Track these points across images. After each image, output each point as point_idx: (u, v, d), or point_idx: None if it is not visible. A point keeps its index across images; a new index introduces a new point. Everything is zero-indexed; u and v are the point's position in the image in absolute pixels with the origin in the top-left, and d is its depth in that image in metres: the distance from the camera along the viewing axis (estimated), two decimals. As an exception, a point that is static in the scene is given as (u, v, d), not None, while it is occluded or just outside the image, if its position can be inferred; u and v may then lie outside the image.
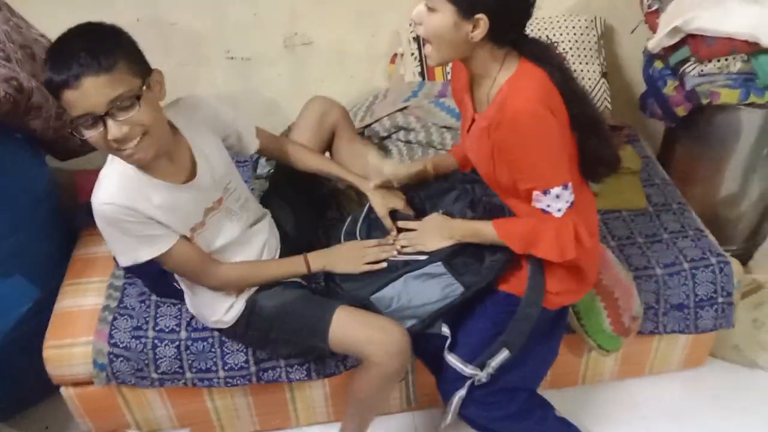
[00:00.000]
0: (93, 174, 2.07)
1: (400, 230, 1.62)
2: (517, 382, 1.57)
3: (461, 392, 1.53)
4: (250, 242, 1.62)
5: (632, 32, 2.24)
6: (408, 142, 2.06)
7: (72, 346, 1.66)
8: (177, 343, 1.66)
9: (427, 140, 2.01)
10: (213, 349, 1.67)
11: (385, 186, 1.68)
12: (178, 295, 1.70)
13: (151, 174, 1.40)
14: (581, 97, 1.37)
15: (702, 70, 1.95)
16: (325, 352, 1.59)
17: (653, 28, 2.06)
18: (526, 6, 1.30)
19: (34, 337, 1.71)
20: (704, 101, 1.97)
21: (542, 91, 1.30)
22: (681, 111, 2.04)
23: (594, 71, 2.16)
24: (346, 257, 1.58)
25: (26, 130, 1.75)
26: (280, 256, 1.67)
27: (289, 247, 1.70)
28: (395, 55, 2.21)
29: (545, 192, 1.33)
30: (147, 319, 1.70)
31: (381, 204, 1.65)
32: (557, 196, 1.32)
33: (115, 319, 1.70)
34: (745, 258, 2.29)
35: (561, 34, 2.15)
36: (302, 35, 2.15)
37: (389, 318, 1.54)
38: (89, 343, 1.66)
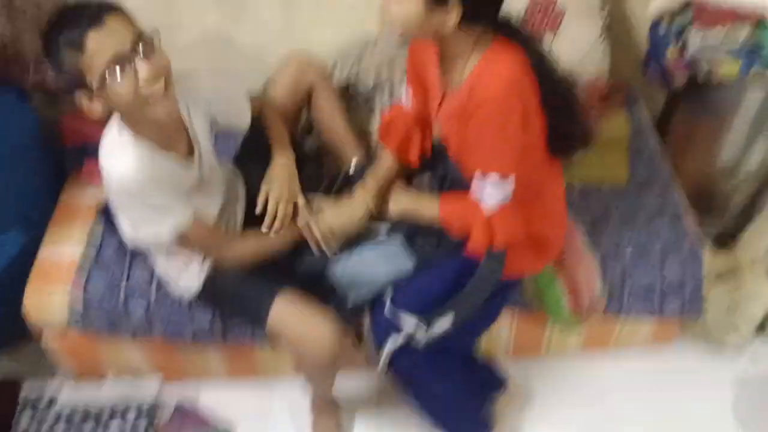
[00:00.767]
0: (79, 117, 2.13)
1: None
2: (450, 342, 1.60)
3: (393, 342, 1.55)
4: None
5: (639, -12, 2.10)
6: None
7: (51, 294, 1.76)
8: (147, 299, 1.75)
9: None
10: (181, 308, 1.74)
11: None
12: (153, 250, 1.77)
13: (159, 146, 1.40)
14: (553, 74, 1.35)
15: (705, 36, 1.83)
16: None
17: (660, -12, 1.92)
18: None
19: (24, 275, 1.81)
20: (704, 70, 1.86)
21: (514, 74, 1.28)
22: (680, 79, 1.94)
23: (595, 25, 2.04)
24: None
25: (6, 78, 1.78)
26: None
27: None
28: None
29: (484, 174, 1.34)
30: (121, 272, 1.78)
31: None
32: (492, 185, 1.34)
33: (91, 269, 1.78)
34: (734, 234, 2.23)
35: (561, -13, 2.02)
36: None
37: (324, 312, 1.58)
38: (67, 292, 1.75)
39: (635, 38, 2.23)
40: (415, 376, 1.63)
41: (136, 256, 1.81)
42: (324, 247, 1.60)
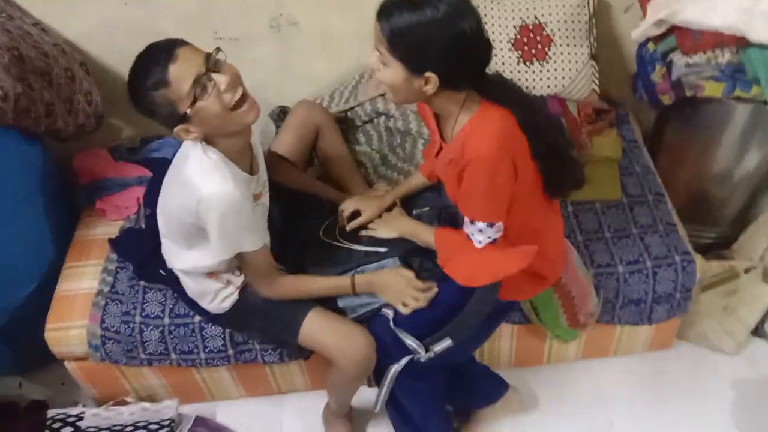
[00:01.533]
0: (91, 155, 2.22)
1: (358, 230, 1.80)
2: (444, 359, 1.67)
3: (397, 366, 1.64)
4: None
5: (625, 12, 2.16)
6: (388, 128, 2.10)
7: (69, 328, 1.85)
8: (161, 328, 1.83)
9: (405, 128, 2.05)
10: (194, 334, 1.83)
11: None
12: (164, 281, 1.85)
13: (234, 163, 1.50)
14: (543, 128, 1.42)
15: (689, 61, 1.89)
16: (294, 346, 1.74)
17: (645, 12, 1.99)
18: (479, 58, 1.32)
19: (44, 305, 1.90)
20: (689, 93, 1.93)
21: (501, 133, 1.35)
22: (666, 99, 2.01)
23: (582, 53, 2.10)
24: (390, 289, 1.66)
25: (19, 127, 1.87)
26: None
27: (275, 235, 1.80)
28: (380, 36, 2.19)
29: (472, 222, 1.43)
30: (135, 304, 1.86)
31: (348, 203, 1.82)
32: (480, 230, 1.42)
33: (106, 304, 1.87)
34: (729, 241, 2.30)
35: (550, 14, 2.09)
36: (287, 16, 2.15)
37: (357, 326, 1.67)
38: (84, 326, 1.84)
39: (625, 58, 2.29)
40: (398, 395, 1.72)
41: (149, 288, 1.89)
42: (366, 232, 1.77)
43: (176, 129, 1.39)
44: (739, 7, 1.74)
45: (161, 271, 1.82)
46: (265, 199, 1.68)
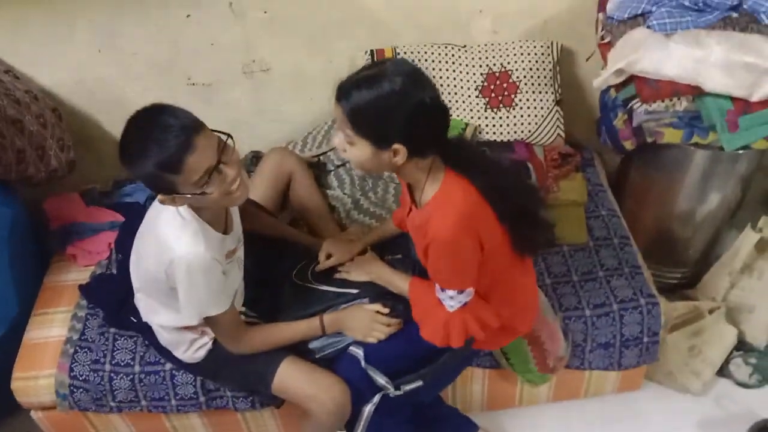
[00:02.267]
0: (62, 199, 2.22)
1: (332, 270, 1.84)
2: (411, 398, 1.70)
3: (371, 405, 1.66)
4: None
5: (587, 60, 2.24)
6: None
7: (37, 378, 1.83)
8: (131, 376, 1.82)
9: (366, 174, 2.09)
10: (165, 382, 1.82)
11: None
12: (134, 328, 1.85)
13: (208, 223, 1.50)
14: (508, 191, 1.45)
15: (648, 108, 1.96)
16: (268, 395, 1.74)
17: (605, 61, 2.06)
18: (440, 124, 1.36)
19: (10, 356, 1.88)
20: (649, 139, 1.99)
21: (462, 214, 1.38)
22: (629, 145, 2.06)
23: (548, 100, 2.17)
24: (358, 323, 1.68)
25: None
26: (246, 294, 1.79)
27: (250, 283, 1.81)
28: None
29: (443, 290, 1.47)
30: (105, 352, 1.85)
31: (324, 247, 1.84)
32: (451, 297, 1.47)
33: (75, 352, 1.85)
34: (693, 281, 2.35)
35: (516, 62, 2.16)
36: (260, 62, 2.19)
37: (332, 375, 1.68)
38: (52, 375, 1.82)
39: (588, 103, 2.37)
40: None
41: (119, 335, 1.88)
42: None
43: (163, 197, 1.39)
44: (692, 58, 1.81)
45: (132, 318, 1.82)
46: (240, 253, 1.70)
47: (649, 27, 1.88)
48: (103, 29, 2.07)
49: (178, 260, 1.45)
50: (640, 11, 1.91)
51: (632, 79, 1.96)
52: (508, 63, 2.16)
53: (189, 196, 1.38)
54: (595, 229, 2.10)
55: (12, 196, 2.04)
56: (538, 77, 2.16)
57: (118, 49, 2.12)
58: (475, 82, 2.17)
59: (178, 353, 1.73)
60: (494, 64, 2.16)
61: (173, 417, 1.94)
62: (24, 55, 2.10)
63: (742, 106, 1.82)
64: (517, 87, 2.16)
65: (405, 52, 2.14)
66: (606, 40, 2.04)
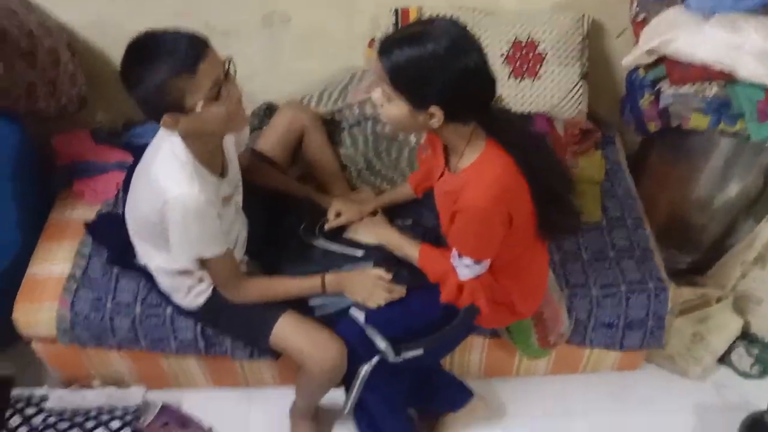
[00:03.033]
0: (71, 136, 2.19)
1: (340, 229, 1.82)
2: (411, 364, 1.68)
3: (368, 366, 1.65)
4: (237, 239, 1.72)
5: (618, 37, 2.18)
6: (375, 133, 2.10)
7: (38, 311, 1.83)
8: (132, 316, 1.81)
9: (392, 134, 2.05)
10: (165, 325, 1.82)
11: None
12: (137, 269, 1.83)
13: (204, 165, 1.48)
14: (544, 172, 1.42)
15: (677, 91, 1.91)
16: (265, 348, 1.73)
17: (638, 38, 2.00)
18: (483, 93, 1.33)
19: (12, 289, 1.87)
20: (674, 123, 1.95)
21: (499, 186, 1.36)
22: (652, 127, 2.02)
23: (573, 73, 2.12)
24: (360, 287, 1.66)
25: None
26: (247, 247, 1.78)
27: (254, 236, 1.80)
28: (373, 39, 2.19)
29: (460, 256, 1.45)
30: (107, 291, 1.84)
31: (334, 203, 1.83)
32: (467, 266, 1.46)
33: (78, 289, 1.85)
34: (704, 267, 2.33)
35: (544, 32, 2.10)
36: (281, 13, 2.13)
37: (329, 332, 1.66)
38: (53, 309, 1.82)
39: (615, 80, 2.31)
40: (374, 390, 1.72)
41: (122, 275, 1.87)
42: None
43: (167, 117, 1.36)
44: (728, 44, 1.76)
45: (136, 260, 1.81)
46: (238, 199, 1.67)
47: (687, 6, 1.82)
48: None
49: (173, 201, 1.42)
50: (678, -11, 1.86)
51: (663, 59, 1.91)
52: (536, 33, 2.10)
53: (198, 109, 1.35)
54: (609, 208, 2.07)
55: (18, 130, 2.00)
56: (566, 50, 2.10)
57: (136, -11, 2.07)
58: (500, 49, 2.11)
59: (177, 299, 1.73)
60: (521, 33, 2.10)
61: (171, 358, 1.94)
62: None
63: (774, 96, 1.78)
64: (543, 58, 2.10)
65: (430, 13, 2.09)
66: (640, 18, 1.99)
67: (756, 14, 1.78)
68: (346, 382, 1.71)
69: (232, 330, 1.79)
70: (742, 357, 2.16)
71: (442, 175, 1.52)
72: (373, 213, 1.84)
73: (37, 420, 1.78)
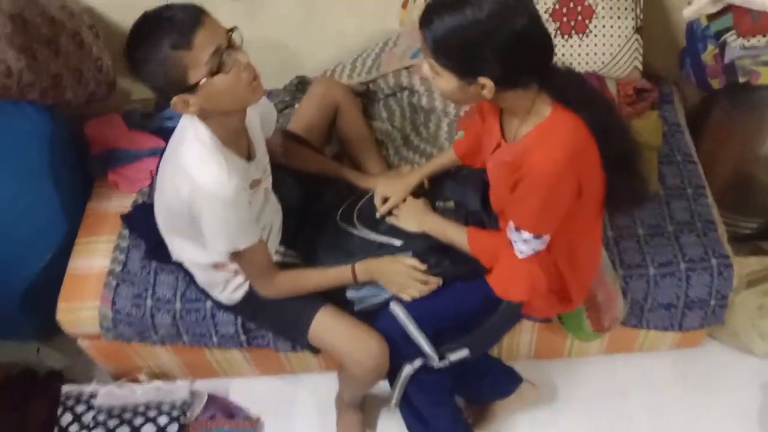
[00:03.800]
0: (104, 122, 2.15)
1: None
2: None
3: (410, 367, 1.59)
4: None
5: (678, -16, 1.96)
6: (412, 104, 1.97)
7: (80, 309, 1.83)
8: (172, 312, 1.80)
9: (430, 106, 1.92)
10: (205, 320, 1.80)
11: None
12: (174, 263, 1.80)
13: (229, 148, 1.42)
14: (615, 135, 1.30)
15: (745, 43, 1.72)
16: (305, 343, 1.69)
17: (700, -16, 1.79)
18: (536, 56, 1.20)
19: (60, 275, 1.89)
20: (742, 79, 1.76)
21: (571, 148, 1.25)
22: (716, 84, 1.85)
23: (627, 27, 1.92)
24: (393, 277, 1.58)
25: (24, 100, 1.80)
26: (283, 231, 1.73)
27: (290, 222, 1.74)
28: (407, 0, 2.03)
29: (518, 229, 1.33)
30: (146, 286, 1.83)
31: (378, 188, 1.74)
32: (525, 240, 1.33)
33: (118, 285, 1.84)
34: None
35: (593, -18, 1.90)
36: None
37: (370, 330, 1.60)
38: (95, 307, 1.82)
39: (673, 30, 2.09)
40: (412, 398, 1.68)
41: (160, 269, 1.85)
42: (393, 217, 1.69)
43: (176, 98, 1.29)
44: (808, -11, 1.56)
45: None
46: (268, 184, 1.60)
47: (758, -52, 1.60)
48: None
49: (202, 191, 1.35)
50: (749, -72, 1.63)
51: (729, 8, 1.71)
52: (585, -17, 1.91)
53: (203, 84, 1.26)
54: (667, 176, 1.91)
55: (52, 119, 1.97)
56: (618, 0, 1.90)
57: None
58: (545, 3, 1.93)
59: (215, 294, 1.69)
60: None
61: (216, 350, 1.94)
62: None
63: None
64: (593, 11, 1.92)
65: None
66: (704, -39, 1.77)
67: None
68: (390, 375, 1.66)
69: (271, 325, 1.76)
70: (813, 333, 2.02)
71: (497, 147, 1.40)
72: (420, 188, 1.73)
73: (87, 417, 1.82)
